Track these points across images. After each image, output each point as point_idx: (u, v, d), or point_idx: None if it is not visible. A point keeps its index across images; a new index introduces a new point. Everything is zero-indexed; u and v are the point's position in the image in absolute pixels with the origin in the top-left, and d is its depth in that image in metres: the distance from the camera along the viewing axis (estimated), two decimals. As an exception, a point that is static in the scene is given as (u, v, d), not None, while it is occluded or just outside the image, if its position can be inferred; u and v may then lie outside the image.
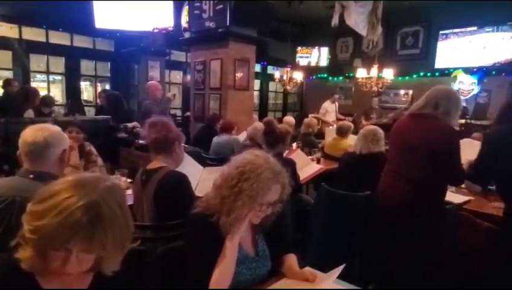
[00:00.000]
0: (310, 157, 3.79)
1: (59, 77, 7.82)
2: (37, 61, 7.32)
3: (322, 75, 10.30)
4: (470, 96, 7.49)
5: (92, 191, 0.84)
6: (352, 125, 4.32)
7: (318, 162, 3.80)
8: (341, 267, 1.26)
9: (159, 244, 1.51)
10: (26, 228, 0.81)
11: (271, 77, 10.28)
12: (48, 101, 5.24)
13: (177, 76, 9.17)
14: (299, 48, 10.10)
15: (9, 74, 6.62)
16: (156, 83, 5.21)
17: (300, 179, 3.05)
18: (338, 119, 7.02)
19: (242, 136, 4.23)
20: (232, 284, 1.20)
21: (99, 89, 8.30)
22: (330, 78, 10.14)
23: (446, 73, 7.72)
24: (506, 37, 7.01)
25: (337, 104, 7.70)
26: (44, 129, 1.53)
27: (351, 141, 3.75)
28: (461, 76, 7.55)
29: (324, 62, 9.98)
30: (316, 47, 9.91)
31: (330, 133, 4.72)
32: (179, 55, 8.62)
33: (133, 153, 4.01)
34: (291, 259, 1.38)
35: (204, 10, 5.12)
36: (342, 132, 4.13)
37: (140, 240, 1.73)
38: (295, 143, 4.26)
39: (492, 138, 1.91)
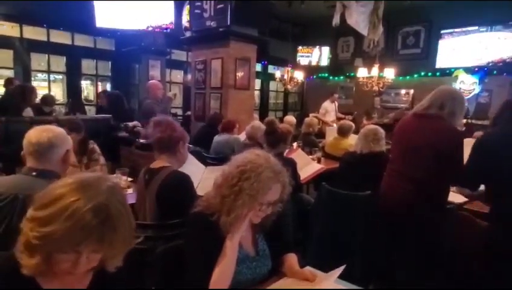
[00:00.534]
0: (310, 156, 3.79)
1: (60, 76, 7.83)
2: (38, 60, 7.32)
3: (322, 75, 10.29)
4: (471, 96, 7.48)
5: (97, 192, 0.84)
6: (353, 125, 4.32)
7: (319, 161, 3.80)
8: (342, 267, 1.26)
9: (160, 244, 1.51)
10: (32, 235, 0.79)
11: (272, 77, 10.28)
12: (49, 100, 5.26)
13: (177, 75, 9.17)
14: (299, 48, 10.09)
15: (10, 73, 6.63)
16: (157, 82, 5.22)
17: (301, 178, 3.05)
18: (338, 119, 7.02)
19: (242, 136, 4.23)
20: (232, 283, 1.20)
21: (100, 88, 8.31)
22: (331, 77, 10.13)
23: (447, 73, 7.71)
24: (507, 36, 7.00)
25: (336, 104, 7.70)
26: (49, 130, 1.57)
27: (352, 141, 3.74)
28: (462, 76, 7.54)
29: (325, 62, 9.96)
30: (317, 46, 9.90)
31: (331, 133, 4.72)
32: (179, 55, 8.63)
33: (134, 152, 4.01)
34: (292, 258, 1.38)
35: (205, 9, 5.12)
36: (342, 132, 4.13)
37: (142, 238, 1.75)
38: (296, 143, 4.25)
39: (483, 143, 1.91)
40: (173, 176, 1.85)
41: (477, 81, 7.43)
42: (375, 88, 7.20)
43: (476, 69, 7.40)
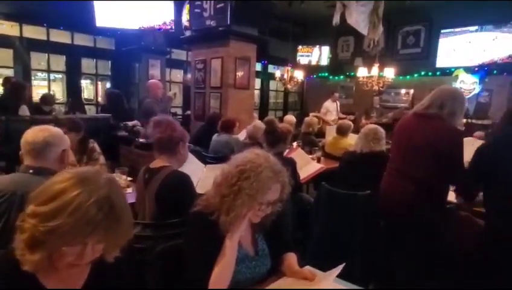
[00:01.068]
0: (310, 156, 3.78)
1: (60, 75, 7.82)
2: (37, 60, 7.31)
3: (322, 74, 10.28)
4: (471, 95, 7.47)
5: (97, 186, 0.87)
6: (352, 124, 4.32)
7: (318, 161, 3.80)
8: (341, 266, 1.25)
9: (160, 243, 1.51)
10: (37, 230, 0.80)
11: (272, 76, 10.27)
12: (49, 99, 5.25)
13: (177, 75, 9.16)
14: (299, 47, 10.08)
15: (10, 72, 6.61)
16: (157, 81, 5.21)
17: (301, 178, 3.05)
18: (340, 119, 7.01)
19: (242, 135, 4.22)
20: (232, 283, 1.20)
21: (100, 87, 8.30)
22: (331, 77, 10.12)
23: (447, 72, 7.71)
24: (507, 36, 7.00)
25: (338, 103, 7.69)
26: (45, 130, 1.61)
27: (352, 140, 3.74)
28: (462, 75, 7.53)
29: (325, 61, 9.96)
30: (317, 46, 9.89)
31: (331, 132, 4.72)
32: (179, 54, 8.62)
33: (133, 152, 4.01)
34: (291, 258, 1.38)
35: (205, 9, 5.12)
36: (342, 131, 4.13)
37: (141, 237, 1.74)
38: (295, 142, 4.25)
39: (482, 150, 1.92)
40: (173, 176, 1.85)
41: (477, 80, 7.43)
42: (375, 88, 7.19)
43: (476, 68, 7.40)
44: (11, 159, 2.17)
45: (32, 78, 7.30)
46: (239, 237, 1.23)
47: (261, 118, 6.47)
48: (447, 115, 2.01)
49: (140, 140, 3.97)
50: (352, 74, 9.05)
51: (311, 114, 6.87)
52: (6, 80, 5.24)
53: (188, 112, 6.59)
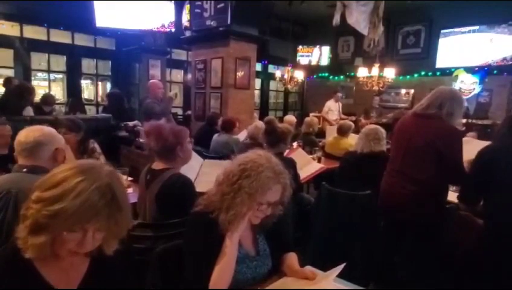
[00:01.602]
0: (310, 156, 3.78)
1: (60, 76, 7.83)
2: (38, 60, 7.32)
3: (323, 74, 10.29)
4: (471, 95, 7.48)
5: (99, 175, 0.90)
6: (352, 125, 4.32)
7: (319, 161, 3.80)
8: (341, 266, 1.25)
9: (160, 243, 1.51)
10: (41, 214, 0.83)
11: (272, 76, 10.27)
12: (49, 99, 5.26)
13: (178, 75, 9.17)
14: (300, 47, 10.08)
15: (10, 72, 6.62)
16: (157, 81, 5.21)
17: (301, 178, 3.05)
18: (341, 119, 7.00)
19: (242, 135, 4.22)
20: (232, 283, 1.20)
21: (100, 87, 8.31)
22: (331, 77, 10.13)
23: (447, 72, 7.71)
24: (507, 36, 7.00)
25: (340, 104, 7.68)
26: (37, 130, 1.65)
27: (352, 140, 3.74)
28: (462, 75, 7.53)
29: (325, 61, 9.96)
30: (317, 46, 9.89)
31: (331, 132, 4.72)
32: (179, 54, 8.63)
33: (134, 152, 4.01)
34: (292, 258, 1.38)
35: (205, 9, 5.12)
36: (342, 131, 4.13)
37: (141, 237, 1.74)
38: (296, 142, 4.25)
39: (482, 156, 1.93)
40: (175, 180, 1.81)
41: (477, 80, 7.43)
42: (376, 88, 7.19)
43: (476, 68, 7.40)
44: (11, 159, 2.18)
45: (33, 78, 7.31)
46: (239, 236, 1.23)
47: (261, 118, 6.47)
48: (446, 115, 2.02)
49: (141, 140, 3.97)
50: (352, 74, 9.05)
51: (311, 114, 6.87)
52: (8, 80, 5.25)
53: (189, 112, 6.60)
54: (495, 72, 7.23)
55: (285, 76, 8.54)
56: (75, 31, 7.35)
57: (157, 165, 1.90)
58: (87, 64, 7.94)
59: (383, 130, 2.92)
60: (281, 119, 5.87)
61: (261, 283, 1.29)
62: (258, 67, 9.47)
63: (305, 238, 2.80)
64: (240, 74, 5.16)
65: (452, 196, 2.28)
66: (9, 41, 6.56)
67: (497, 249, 1.80)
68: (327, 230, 2.61)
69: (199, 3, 5.22)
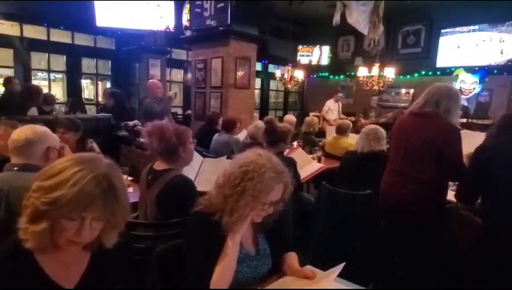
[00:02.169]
0: (310, 156, 3.78)
1: (60, 75, 7.83)
2: (38, 59, 7.32)
3: (323, 74, 10.28)
4: (472, 95, 7.47)
5: (97, 165, 0.93)
6: (351, 124, 4.32)
7: (319, 161, 3.79)
8: (341, 265, 1.25)
9: (160, 243, 1.51)
10: (40, 202, 0.86)
11: (272, 76, 10.27)
12: (49, 99, 5.26)
13: (178, 74, 9.17)
14: (300, 47, 10.08)
15: (10, 72, 6.62)
16: (156, 81, 5.21)
17: (301, 177, 3.05)
18: (340, 119, 7.00)
19: (242, 135, 4.22)
20: (232, 282, 1.20)
21: (100, 87, 8.30)
22: (331, 76, 10.12)
23: (448, 72, 7.71)
24: (507, 36, 6.99)
25: (340, 104, 7.68)
26: (28, 129, 1.68)
27: (352, 140, 3.74)
28: (463, 75, 7.53)
29: (325, 61, 9.96)
30: (317, 46, 9.89)
31: (331, 132, 4.72)
32: (179, 54, 8.62)
33: (134, 152, 4.00)
34: (292, 257, 1.38)
35: (205, 9, 5.12)
36: (341, 130, 4.13)
37: (142, 237, 1.74)
38: (296, 142, 4.25)
39: (478, 154, 1.93)
40: (177, 181, 1.80)
41: (477, 80, 7.43)
42: (376, 87, 7.19)
43: (477, 68, 7.40)
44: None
45: (33, 78, 7.31)
46: (241, 236, 1.22)
47: (261, 117, 6.47)
48: (443, 112, 2.02)
49: (141, 140, 3.96)
50: (352, 73, 9.04)
51: (311, 114, 6.86)
52: (8, 80, 5.25)
53: (189, 112, 6.60)
54: (495, 71, 7.23)
55: (285, 76, 8.54)
56: (75, 31, 7.35)
57: (159, 165, 1.89)
58: (87, 64, 7.93)
59: (383, 130, 2.93)
60: (281, 119, 5.86)
61: (261, 283, 1.29)
62: (258, 66, 9.47)
63: (305, 237, 2.80)
64: (240, 73, 5.16)
65: (452, 195, 2.28)
66: (9, 41, 6.56)
67: (495, 248, 1.80)
68: (327, 230, 2.61)
69: (199, 2, 5.21)
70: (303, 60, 10.06)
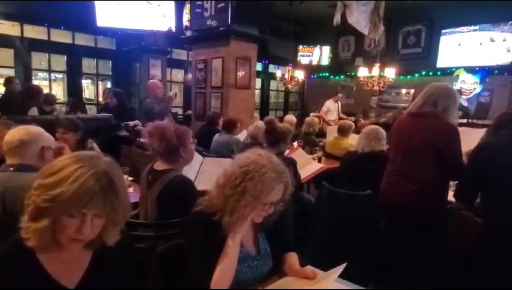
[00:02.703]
0: (311, 156, 3.79)
1: (60, 75, 7.83)
2: (38, 59, 7.32)
3: (323, 74, 10.28)
4: (472, 95, 7.47)
5: (97, 162, 0.94)
6: (353, 125, 4.32)
7: (319, 161, 3.80)
8: (342, 266, 1.26)
9: (161, 243, 1.51)
10: (41, 199, 0.87)
11: (272, 76, 10.27)
12: (50, 99, 5.27)
13: (178, 74, 9.17)
14: (300, 47, 10.08)
15: (11, 72, 6.63)
16: (157, 81, 5.21)
17: (301, 177, 3.05)
18: (340, 119, 7.00)
19: (242, 135, 4.22)
20: (233, 282, 1.20)
21: (100, 87, 8.31)
22: (332, 77, 10.12)
23: (448, 72, 7.70)
24: (508, 36, 6.99)
25: (339, 104, 7.68)
26: (22, 129, 1.68)
27: (352, 140, 3.74)
28: (463, 75, 7.52)
29: (326, 61, 9.96)
30: (318, 46, 9.89)
31: (332, 133, 4.72)
32: (180, 54, 8.62)
33: (134, 152, 4.00)
34: (293, 257, 1.38)
35: (205, 9, 5.12)
36: (342, 131, 4.13)
37: (142, 237, 1.75)
38: (296, 142, 4.25)
39: (477, 153, 1.93)
40: (177, 182, 1.80)
41: (478, 80, 7.42)
42: (376, 88, 7.19)
43: (477, 68, 7.39)
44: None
45: (33, 77, 7.31)
46: (241, 236, 1.23)
47: (261, 117, 6.46)
48: (442, 112, 2.03)
49: (142, 140, 3.96)
50: (352, 73, 9.04)
51: (311, 114, 6.86)
52: (8, 80, 5.26)
53: (189, 112, 6.59)
54: (496, 72, 7.22)
55: (286, 76, 8.54)
56: (75, 31, 7.35)
57: (159, 165, 1.89)
58: (88, 64, 7.94)
59: (383, 130, 2.93)
60: (281, 119, 5.86)
61: (262, 283, 1.29)
62: (259, 67, 9.47)
63: (306, 237, 2.80)
64: (240, 73, 5.16)
65: (452, 195, 2.28)
66: (9, 41, 6.57)
67: (495, 248, 1.80)
68: (327, 230, 2.61)
69: (199, 3, 5.21)
70: (303, 60, 10.06)
